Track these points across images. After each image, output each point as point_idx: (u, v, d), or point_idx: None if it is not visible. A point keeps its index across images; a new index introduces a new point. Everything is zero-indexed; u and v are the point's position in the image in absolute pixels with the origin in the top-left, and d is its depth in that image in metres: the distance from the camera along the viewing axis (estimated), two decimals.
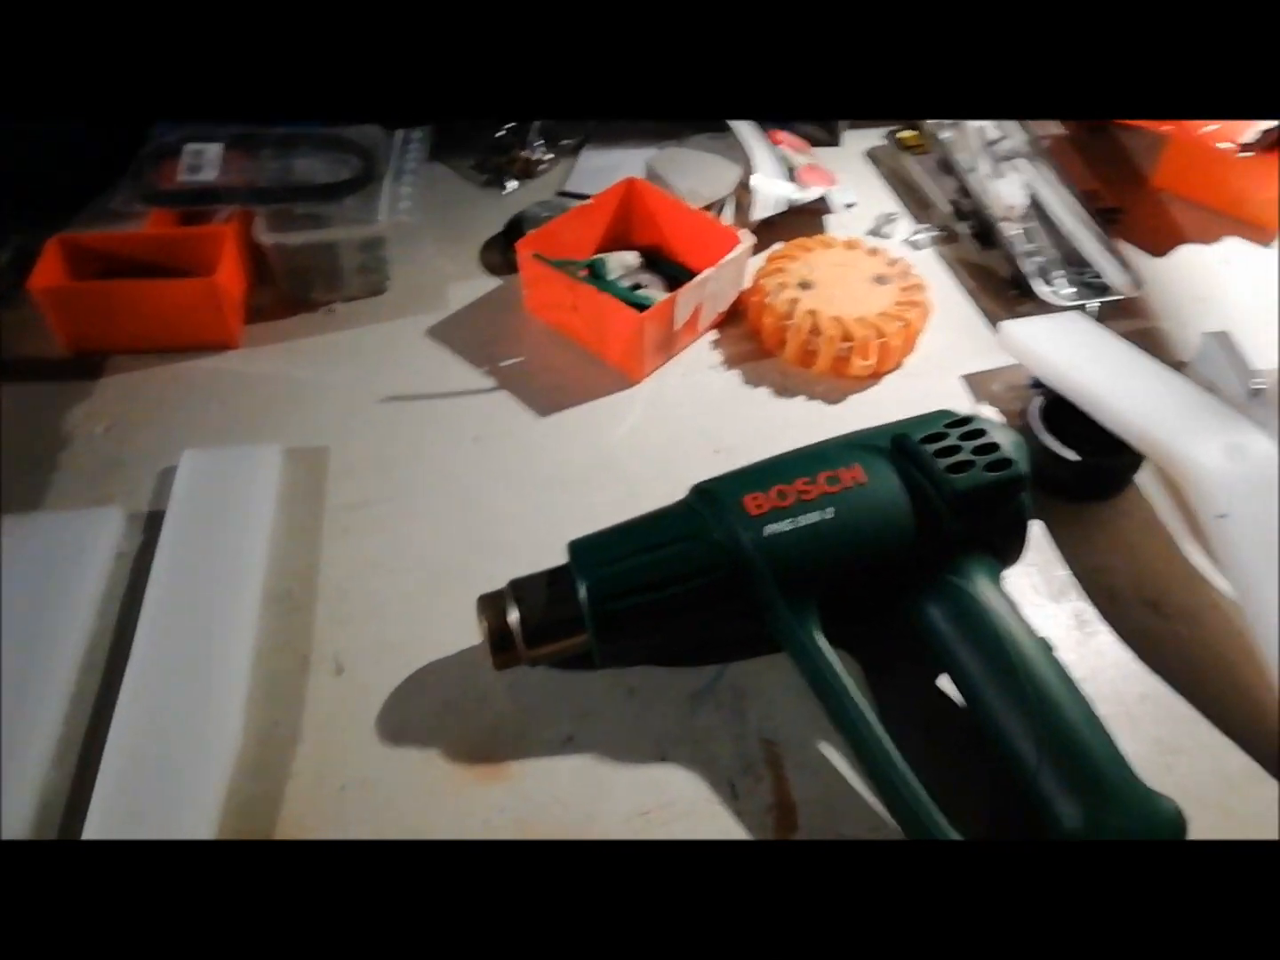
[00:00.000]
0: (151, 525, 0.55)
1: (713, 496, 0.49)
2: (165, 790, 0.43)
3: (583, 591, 0.46)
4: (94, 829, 0.41)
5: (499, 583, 0.49)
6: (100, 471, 0.59)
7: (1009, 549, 0.50)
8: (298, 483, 0.58)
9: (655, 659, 0.50)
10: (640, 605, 0.46)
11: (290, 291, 0.71)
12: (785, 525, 0.47)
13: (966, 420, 0.50)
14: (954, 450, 0.49)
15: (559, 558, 0.49)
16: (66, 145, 0.77)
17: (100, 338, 0.65)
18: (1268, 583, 0.49)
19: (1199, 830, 0.41)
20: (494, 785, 0.46)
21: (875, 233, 0.82)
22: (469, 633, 0.50)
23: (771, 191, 0.77)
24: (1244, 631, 0.52)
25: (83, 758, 0.45)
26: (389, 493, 0.59)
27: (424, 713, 0.48)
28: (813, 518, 0.47)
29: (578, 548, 0.49)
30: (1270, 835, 0.45)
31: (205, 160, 0.70)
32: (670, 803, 0.46)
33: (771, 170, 0.79)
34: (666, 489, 0.52)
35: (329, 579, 0.54)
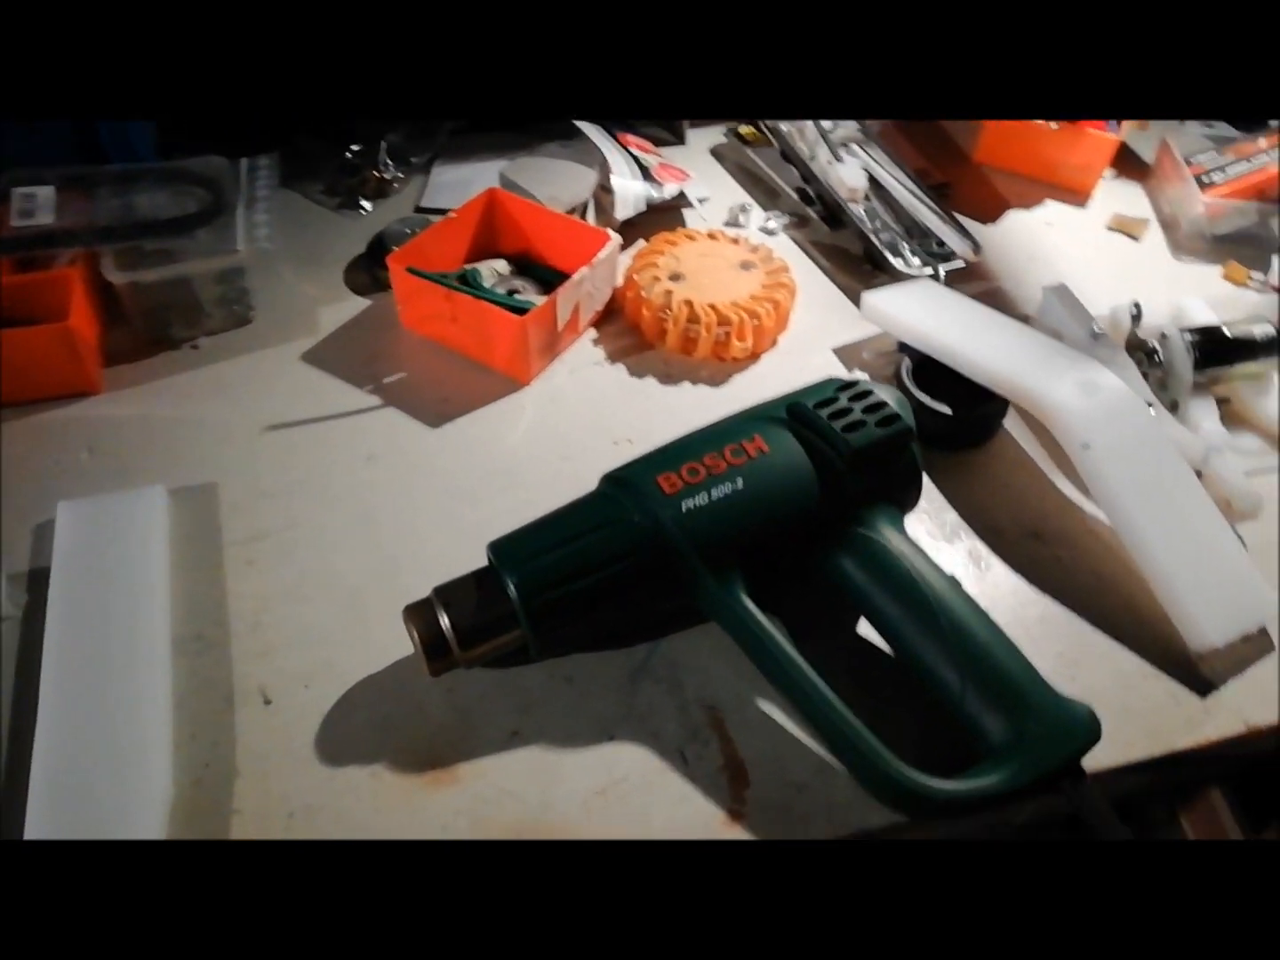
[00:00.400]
0: (35, 584, 0.52)
1: (626, 481, 0.50)
2: None
3: (512, 588, 0.47)
4: None
5: (415, 596, 0.48)
6: None
7: (906, 497, 0.53)
8: (189, 522, 0.56)
9: (589, 645, 0.51)
10: (570, 594, 0.47)
11: (148, 331, 0.68)
12: (700, 500, 0.48)
13: (853, 384, 0.53)
14: (846, 412, 0.51)
15: (470, 565, 0.49)
16: None
17: None
18: (1133, 499, 0.54)
19: (1106, 727, 0.45)
20: (445, 790, 0.45)
21: (731, 224, 0.85)
22: (395, 647, 0.50)
23: (631, 191, 0.79)
24: (1117, 547, 0.57)
25: (1, 831, 0.42)
26: (288, 521, 0.57)
27: (362, 730, 0.47)
28: (724, 489, 0.49)
29: (499, 547, 0.49)
30: (1163, 724, 0.49)
31: (38, 204, 0.66)
32: (624, 778, 0.46)
33: (627, 171, 0.81)
34: (569, 485, 0.53)
35: (240, 614, 0.52)
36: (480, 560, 0.50)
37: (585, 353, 0.71)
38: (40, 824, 0.41)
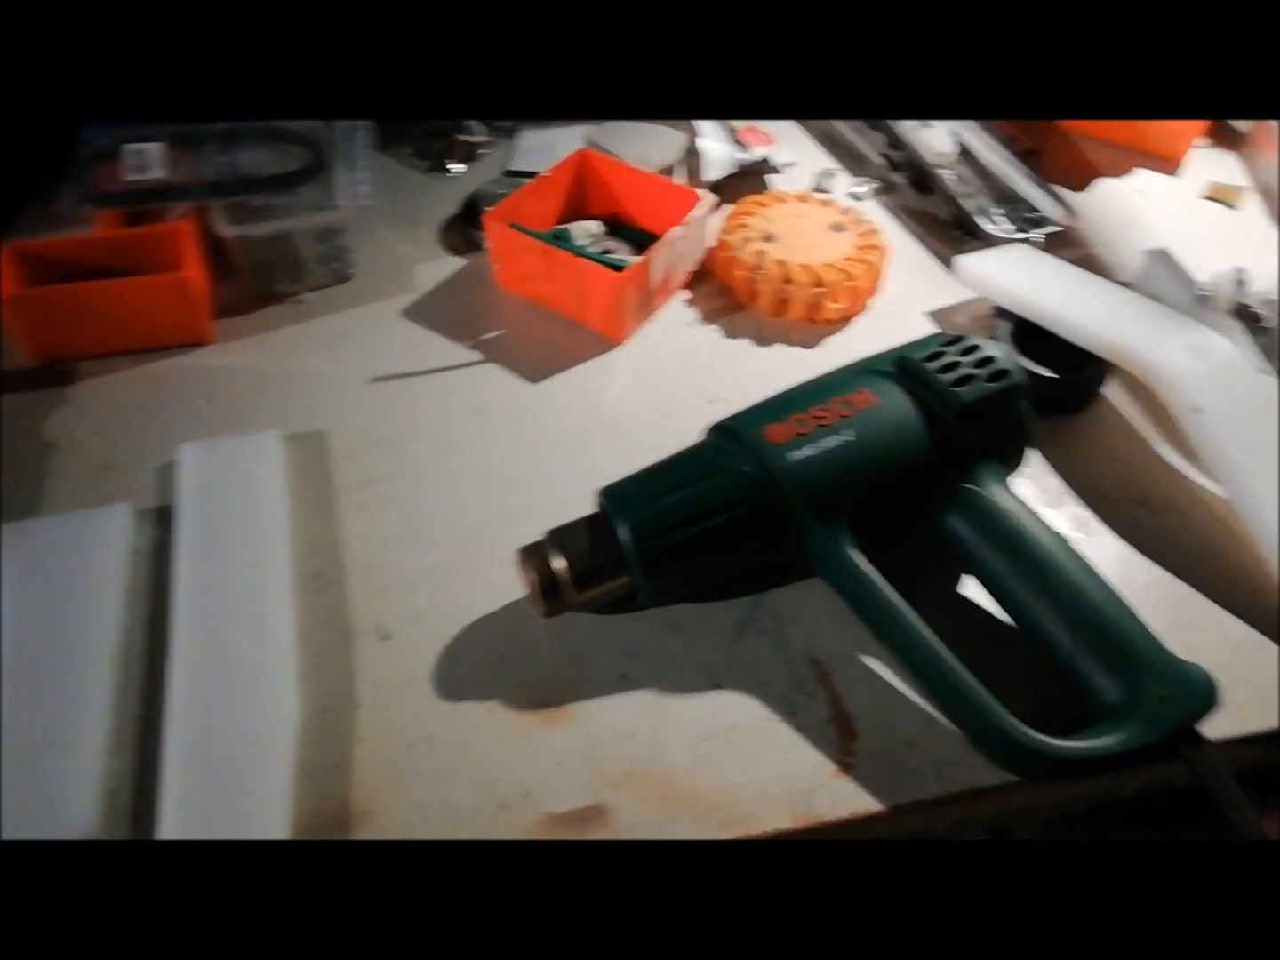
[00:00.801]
0: (161, 520, 0.54)
1: (734, 432, 0.50)
2: (233, 770, 0.43)
3: (624, 533, 0.47)
4: (170, 817, 0.41)
5: (523, 541, 0.49)
6: (94, 474, 0.57)
7: (1014, 454, 0.53)
8: (302, 467, 0.58)
9: (696, 595, 0.52)
10: (681, 540, 0.47)
11: (255, 285, 0.70)
12: (809, 450, 0.49)
13: (960, 338, 0.53)
14: (954, 366, 0.51)
15: (576, 512, 0.50)
16: None
17: (68, 344, 0.63)
18: (1248, 466, 0.54)
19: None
20: (559, 727, 0.46)
21: (817, 189, 0.85)
22: (506, 589, 0.51)
23: (719, 154, 0.79)
24: (1227, 515, 0.56)
25: (141, 745, 0.45)
26: (396, 469, 0.58)
27: (476, 668, 0.49)
28: (833, 441, 0.49)
29: (611, 493, 0.49)
30: (1273, 693, 0.49)
31: (148, 159, 0.68)
32: (733, 725, 0.47)
33: (715, 134, 0.81)
34: (667, 441, 0.53)
35: (355, 555, 0.53)
36: (586, 508, 0.50)
37: (678, 313, 0.71)
38: (178, 745, 0.43)
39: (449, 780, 0.44)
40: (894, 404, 0.50)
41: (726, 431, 0.51)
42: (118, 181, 0.67)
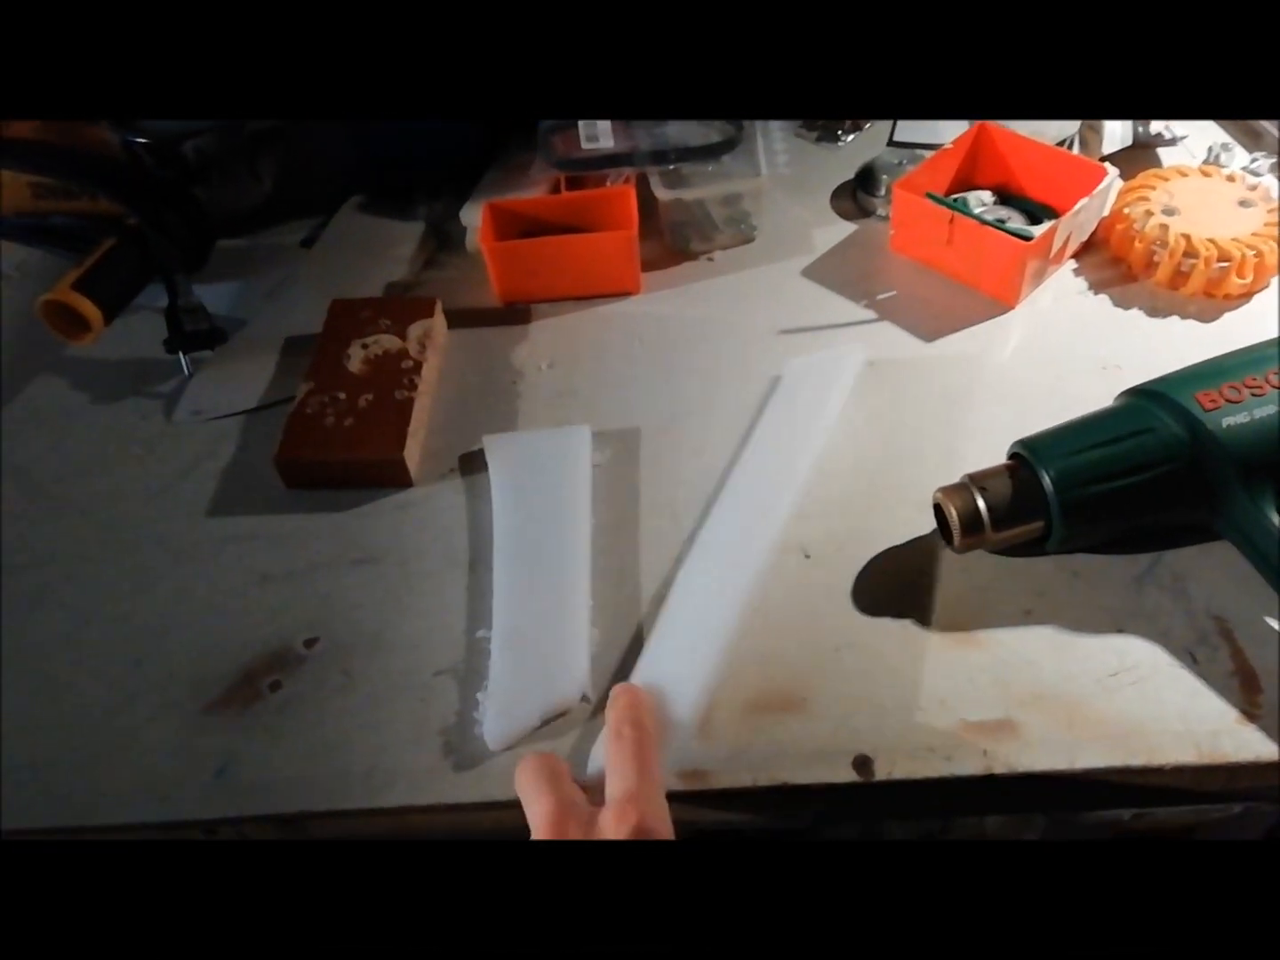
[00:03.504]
0: (611, 441, 0.65)
1: (1162, 396, 0.53)
2: (690, 644, 0.52)
3: (1048, 481, 0.51)
4: (642, 671, 0.51)
5: (923, 485, 0.55)
6: (554, 399, 0.68)
7: None
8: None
9: (1097, 547, 0.55)
10: (1104, 493, 0.51)
11: (673, 243, 0.79)
12: (1242, 417, 0.51)
13: None
14: None
15: (976, 464, 0.55)
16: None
17: (526, 288, 0.75)
18: None
19: None
20: (969, 649, 0.52)
21: (1209, 164, 0.83)
22: (908, 526, 0.57)
23: (1118, 128, 0.79)
24: None
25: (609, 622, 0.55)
26: None
27: (888, 589, 0.55)
28: (1269, 410, 0.51)
29: (1033, 444, 0.53)
30: None
31: (599, 131, 0.78)
32: (1135, 666, 0.50)
33: None
34: (1061, 403, 0.57)
35: None
36: (982, 460, 0.55)
37: (1067, 282, 0.73)
38: (662, 623, 0.53)
39: (871, 682, 0.51)
40: None
41: (1153, 395, 0.53)
42: (570, 150, 0.78)
